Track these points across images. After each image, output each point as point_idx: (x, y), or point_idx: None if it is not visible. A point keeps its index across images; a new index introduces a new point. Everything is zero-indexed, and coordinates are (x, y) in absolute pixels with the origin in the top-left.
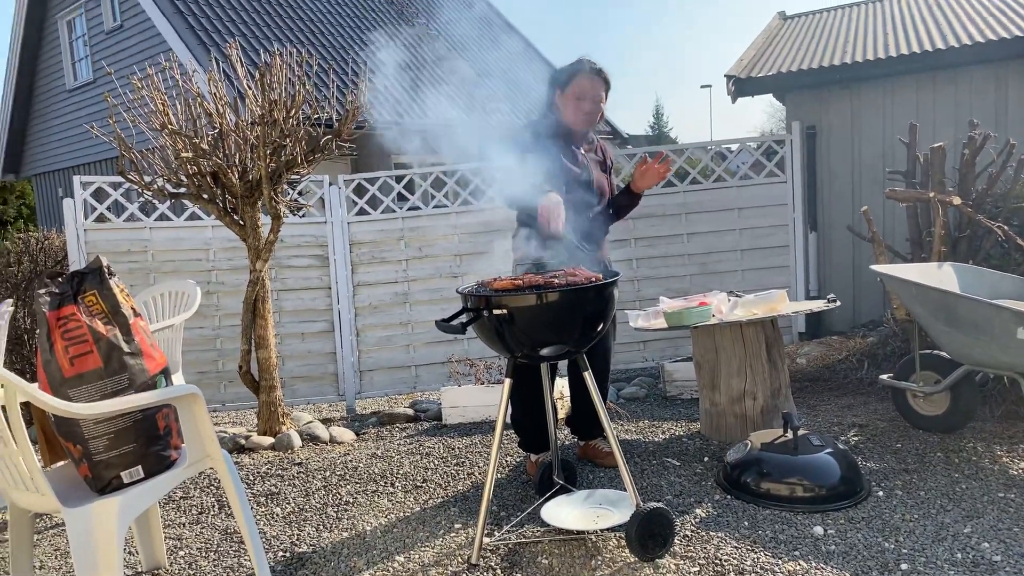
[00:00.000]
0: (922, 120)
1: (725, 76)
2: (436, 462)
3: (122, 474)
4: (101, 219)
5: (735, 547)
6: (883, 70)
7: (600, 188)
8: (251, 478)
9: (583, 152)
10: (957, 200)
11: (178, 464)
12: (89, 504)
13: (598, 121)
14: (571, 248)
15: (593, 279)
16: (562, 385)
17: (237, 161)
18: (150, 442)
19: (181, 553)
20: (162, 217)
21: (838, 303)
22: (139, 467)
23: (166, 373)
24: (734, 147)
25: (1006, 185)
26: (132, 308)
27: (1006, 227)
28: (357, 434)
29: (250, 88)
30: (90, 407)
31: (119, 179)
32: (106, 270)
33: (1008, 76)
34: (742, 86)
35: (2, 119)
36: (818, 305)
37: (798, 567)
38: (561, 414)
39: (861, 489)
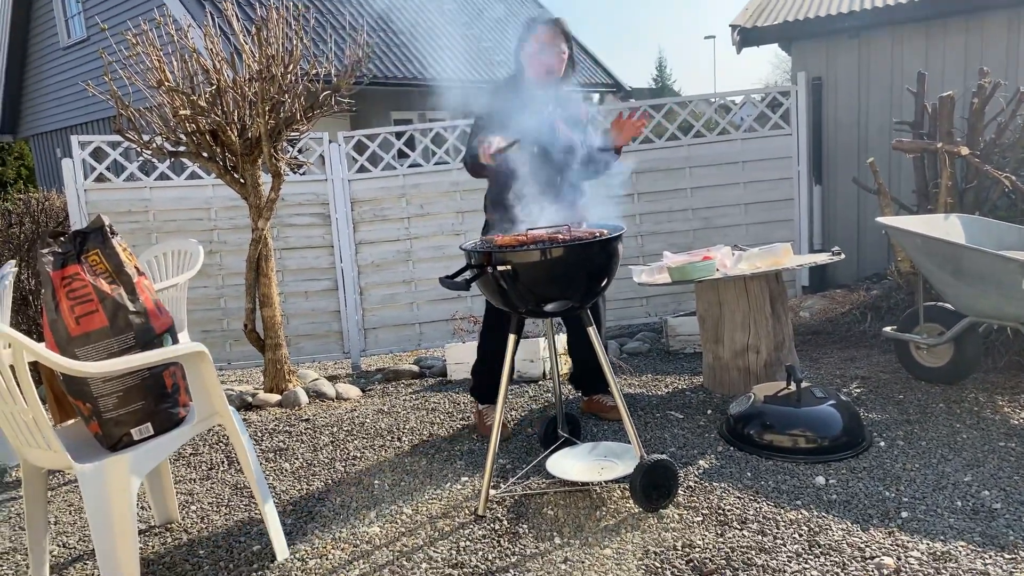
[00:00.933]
0: (931, 69)
1: (730, 26)
2: (442, 417)
3: (132, 431)
4: (101, 179)
5: (738, 497)
6: (891, 17)
7: (569, 144)
8: (259, 435)
9: (550, 109)
10: (965, 150)
11: (187, 421)
12: (101, 460)
13: (562, 73)
14: (523, 156)
15: (597, 234)
16: (566, 340)
17: (236, 118)
18: (159, 399)
19: (193, 508)
20: (162, 176)
21: (842, 256)
22: (149, 424)
23: (172, 332)
24: (738, 99)
25: (1015, 135)
26: (136, 267)
27: (1013, 177)
28: (363, 391)
29: (246, 43)
30: (97, 366)
31: (118, 138)
32: (108, 229)
33: (1020, 23)
34: (747, 36)
35: None
36: (822, 258)
37: (800, 516)
38: (567, 369)
39: (863, 440)
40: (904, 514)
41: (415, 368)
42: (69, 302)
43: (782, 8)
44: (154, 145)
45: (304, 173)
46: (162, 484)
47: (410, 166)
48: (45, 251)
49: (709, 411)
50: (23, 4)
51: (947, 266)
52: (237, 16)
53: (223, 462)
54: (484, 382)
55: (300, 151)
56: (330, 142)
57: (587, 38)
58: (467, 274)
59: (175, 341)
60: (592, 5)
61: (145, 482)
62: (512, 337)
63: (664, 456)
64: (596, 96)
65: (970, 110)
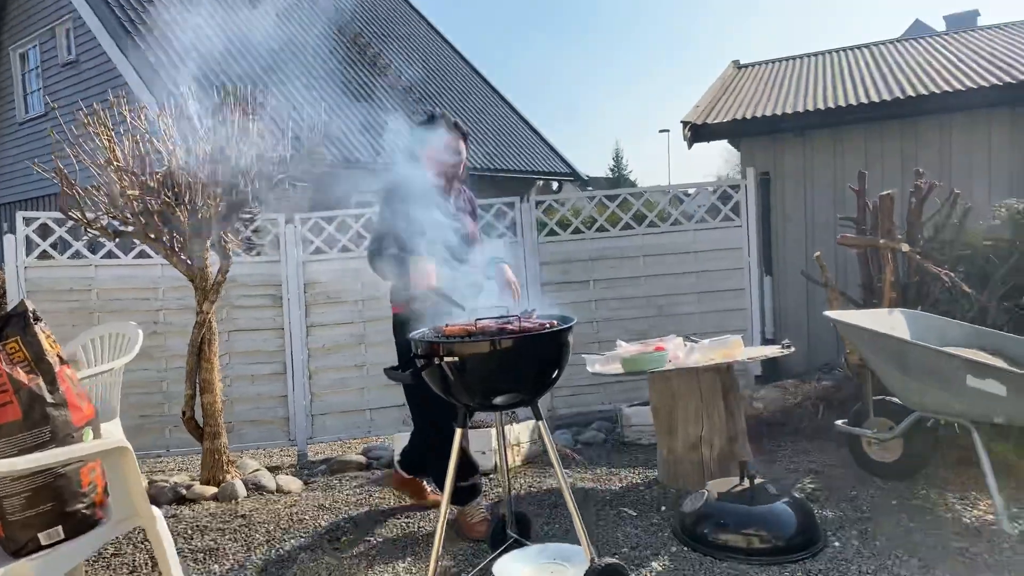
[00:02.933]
0: (871, 168)
1: (681, 122)
2: (386, 515)
3: (40, 535)
4: (44, 256)
5: None
6: (833, 119)
7: (472, 236)
8: (190, 532)
9: (452, 201)
10: (906, 247)
11: (103, 523)
12: (0, 569)
13: (461, 172)
14: (448, 301)
15: (547, 325)
16: (519, 431)
17: (187, 200)
18: (72, 499)
19: None
20: (109, 255)
21: (792, 349)
22: (59, 527)
23: (94, 424)
24: (691, 191)
25: (952, 233)
26: (58, 355)
27: (951, 274)
28: (306, 483)
29: (200, 128)
30: (3, 464)
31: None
32: (31, 315)
33: (952, 127)
34: (698, 132)
35: None
36: (773, 351)
37: None
38: (519, 461)
39: (818, 539)
40: None
41: (362, 459)
42: None
43: (731, 106)
44: (99, 224)
45: (258, 254)
46: None
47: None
48: None
49: (663, 507)
50: None
51: (893, 361)
52: (194, 99)
53: (146, 563)
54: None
55: (255, 231)
56: (286, 223)
57: (546, 127)
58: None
59: (97, 435)
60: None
61: None
62: (459, 431)
63: (615, 560)
64: (555, 184)
65: (908, 209)
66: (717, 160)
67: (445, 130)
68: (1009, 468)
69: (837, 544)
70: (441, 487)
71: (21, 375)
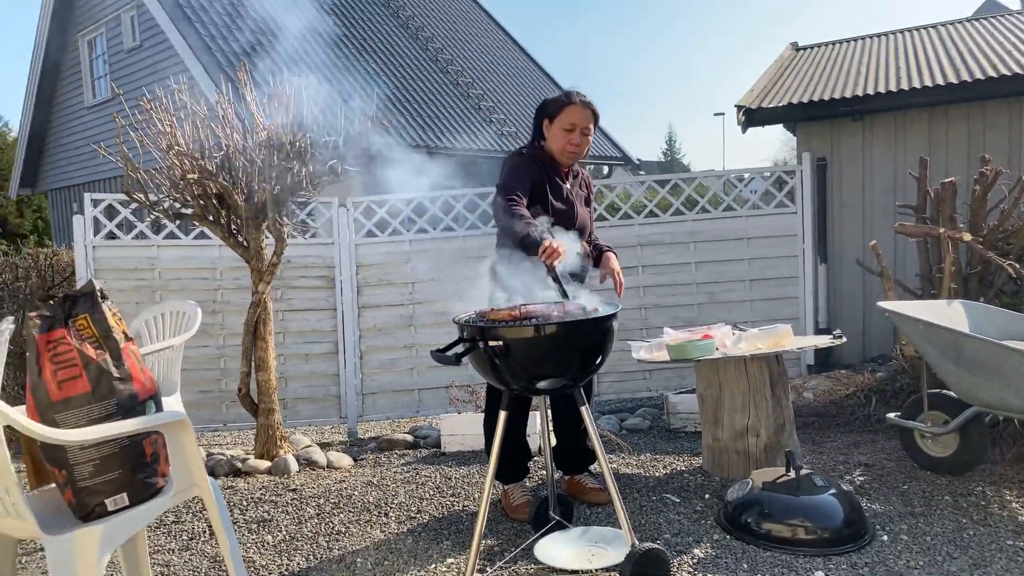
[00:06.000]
0: (934, 154)
1: (736, 106)
2: (431, 492)
3: (107, 501)
4: (111, 236)
5: None
6: (895, 103)
7: (583, 224)
8: (244, 503)
9: (568, 186)
10: (968, 237)
11: (165, 492)
12: (71, 532)
13: (584, 154)
14: (561, 291)
15: (592, 311)
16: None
17: (244, 183)
18: (136, 469)
19: None
20: (170, 235)
21: (843, 339)
22: (124, 494)
23: (156, 399)
24: (745, 176)
25: (1019, 222)
26: (124, 332)
27: (1017, 264)
28: (355, 460)
29: (257, 113)
30: (73, 433)
31: None
32: (99, 294)
33: (1022, 111)
34: (752, 116)
35: (22, 133)
36: (823, 341)
37: None
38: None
39: (865, 532)
40: None
41: (409, 438)
42: (52, 366)
43: (787, 90)
44: (161, 207)
45: (312, 236)
46: (137, 554)
47: (418, 231)
48: (33, 314)
49: (707, 495)
50: (52, 63)
51: (949, 354)
52: (250, 86)
53: (204, 532)
54: (501, 462)
55: (309, 214)
56: (339, 206)
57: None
58: (458, 348)
59: (159, 408)
60: (604, 79)
61: (119, 551)
62: (503, 414)
63: (656, 545)
64: (605, 169)
65: (972, 196)
66: (775, 144)
67: (576, 108)
68: None
69: (885, 538)
70: (497, 477)
71: (90, 351)
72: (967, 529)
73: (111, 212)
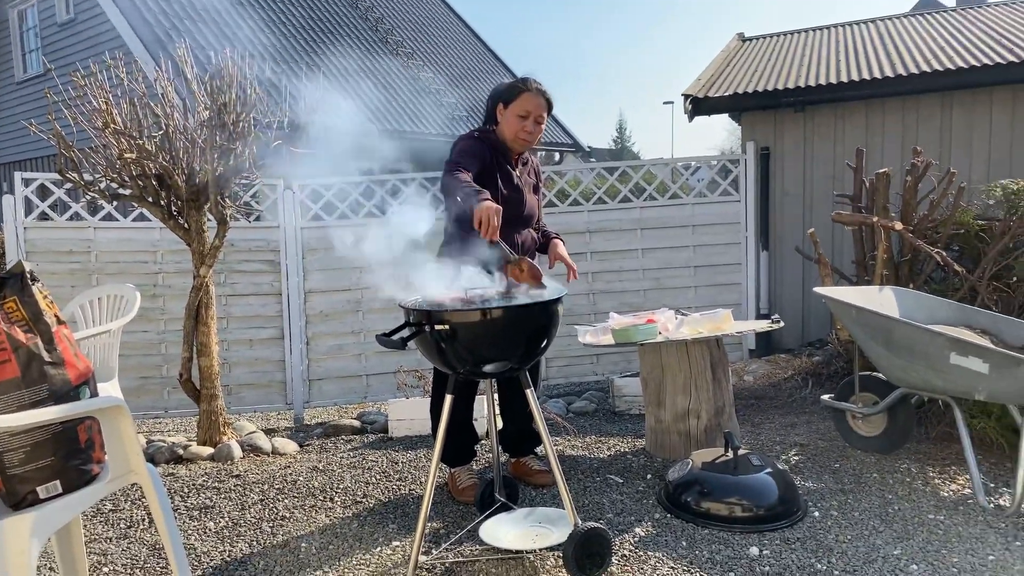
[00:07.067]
0: (871, 145)
1: (682, 95)
2: (378, 476)
3: (38, 489)
4: (44, 217)
5: (671, 567)
6: (835, 95)
7: (531, 211)
8: (186, 490)
9: (517, 173)
10: (899, 225)
11: (100, 479)
12: (0, 520)
13: (536, 142)
14: (506, 256)
15: (536, 296)
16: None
17: (184, 164)
18: (69, 455)
19: (105, 570)
20: (108, 217)
21: (781, 324)
22: (57, 482)
23: (90, 383)
24: (692, 164)
25: (946, 212)
26: (56, 315)
27: (944, 253)
28: (301, 445)
29: (198, 91)
30: (2, 419)
31: None
32: (29, 275)
33: (953, 105)
34: (699, 105)
35: None
36: (761, 325)
37: None
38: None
39: (798, 509)
40: None
41: (356, 423)
42: None
43: (733, 80)
44: (97, 187)
45: (257, 219)
46: (72, 543)
47: (366, 215)
48: None
49: (649, 476)
50: None
51: (879, 337)
52: (190, 63)
53: (143, 519)
54: (447, 445)
55: (254, 196)
56: (285, 189)
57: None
58: (404, 332)
59: (94, 393)
60: (556, 65)
61: (54, 540)
62: (449, 398)
63: (598, 524)
64: (556, 155)
65: (904, 187)
66: (722, 133)
67: (531, 95)
68: (989, 444)
69: (817, 514)
70: (443, 459)
71: (19, 334)
72: (892, 504)
73: (44, 192)
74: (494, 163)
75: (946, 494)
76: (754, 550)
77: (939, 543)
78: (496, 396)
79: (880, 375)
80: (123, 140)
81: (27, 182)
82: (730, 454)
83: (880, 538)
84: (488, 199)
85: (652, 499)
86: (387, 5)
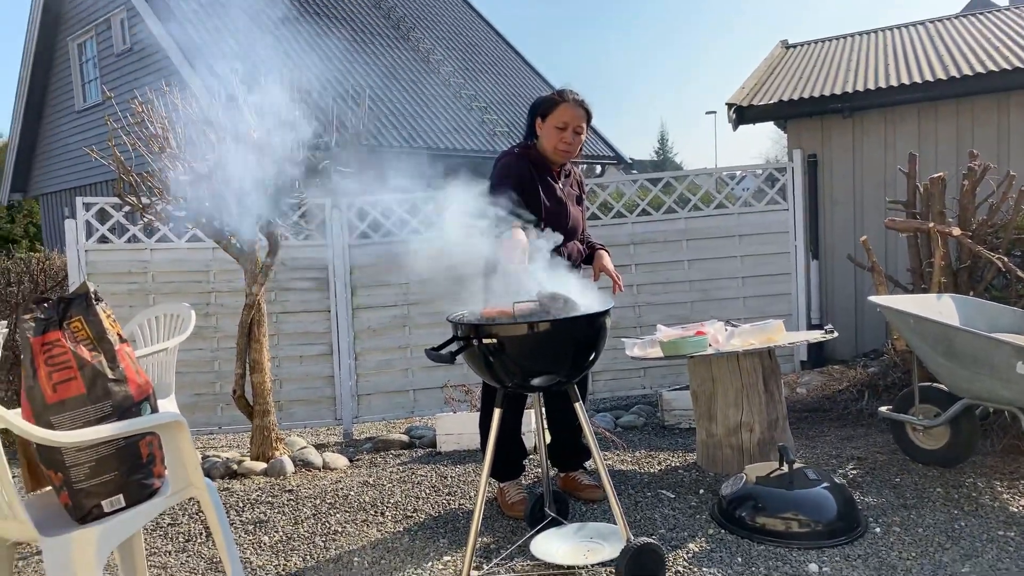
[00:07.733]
0: (923, 150)
1: (726, 104)
2: (428, 491)
3: (103, 503)
4: (103, 240)
5: None
6: (884, 99)
7: (575, 223)
8: (240, 505)
9: (560, 186)
10: (957, 231)
11: (161, 493)
12: (68, 534)
13: (577, 153)
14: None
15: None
16: None
17: (236, 185)
18: (132, 470)
19: None
20: (163, 239)
21: (835, 334)
22: (120, 496)
23: (151, 400)
24: (737, 174)
25: (1006, 216)
26: (118, 334)
27: (1006, 259)
28: (351, 460)
29: (250, 115)
30: (69, 435)
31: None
32: (93, 296)
33: (1010, 106)
34: (743, 114)
35: (12, 138)
36: (814, 336)
37: None
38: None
39: (858, 525)
40: None
41: (405, 438)
42: (47, 368)
43: (778, 87)
44: (153, 209)
45: (306, 238)
46: (133, 556)
47: (410, 232)
48: (27, 316)
49: (701, 490)
50: (42, 67)
51: (939, 347)
52: (241, 85)
53: (201, 533)
54: (497, 459)
55: (303, 215)
56: (332, 207)
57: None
58: (453, 346)
59: (154, 410)
60: (595, 77)
61: (116, 554)
62: (498, 412)
63: (651, 539)
64: (598, 168)
65: (961, 191)
66: (767, 142)
67: (568, 106)
68: None
69: (878, 530)
70: (492, 475)
71: (84, 352)
72: (958, 520)
73: (103, 216)
74: (535, 177)
75: (1015, 509)
76: (813, 567)
77: (1010, 560)
78: (544, 410)
79: (941, 385)
80: (178, 163)
81: (88, 206)
82: (785, 468)
83: (947, 555)
84: (519, 229)
85: (705, 514)
86: (427, 25)
